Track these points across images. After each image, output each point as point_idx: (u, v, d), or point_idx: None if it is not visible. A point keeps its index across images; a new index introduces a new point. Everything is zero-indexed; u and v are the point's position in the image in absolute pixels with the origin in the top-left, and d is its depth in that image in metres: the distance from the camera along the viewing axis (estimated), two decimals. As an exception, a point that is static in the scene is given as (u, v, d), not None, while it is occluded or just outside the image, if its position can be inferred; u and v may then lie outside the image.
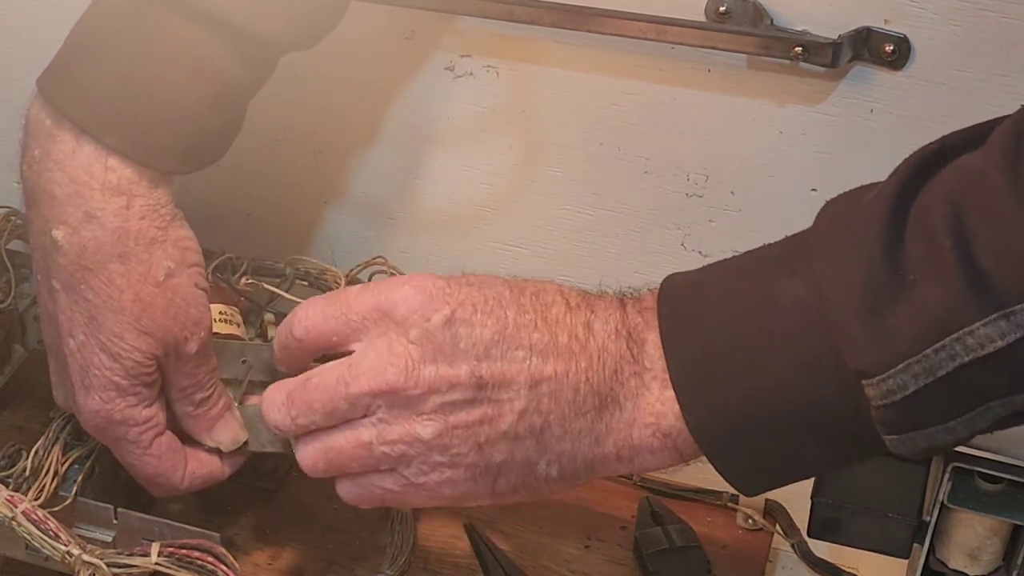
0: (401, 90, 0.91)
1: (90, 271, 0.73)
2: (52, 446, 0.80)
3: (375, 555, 0.85)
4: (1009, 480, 0.72)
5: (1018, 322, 0.56)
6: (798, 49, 0.79)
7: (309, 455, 0.71)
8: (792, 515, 0.91)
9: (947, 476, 0.72)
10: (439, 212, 0.95)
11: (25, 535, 0.72)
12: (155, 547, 0.70)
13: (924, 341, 0.58)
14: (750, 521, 0.91)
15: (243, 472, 0.82)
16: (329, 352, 0.71)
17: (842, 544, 0.78)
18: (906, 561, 0.79)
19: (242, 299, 0.86)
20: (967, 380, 0.58)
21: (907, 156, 0.62)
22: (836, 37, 0.79)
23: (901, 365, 0.59)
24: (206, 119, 0.74)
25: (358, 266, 0.89)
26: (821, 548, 0.90)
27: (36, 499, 0.77)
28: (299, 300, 0.84)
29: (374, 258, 0.89)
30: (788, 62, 0.80)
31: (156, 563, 0.70)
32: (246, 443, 0.80)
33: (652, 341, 0.66)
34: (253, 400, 0.81)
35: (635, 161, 0.88)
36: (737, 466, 0.66)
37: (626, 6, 0.82)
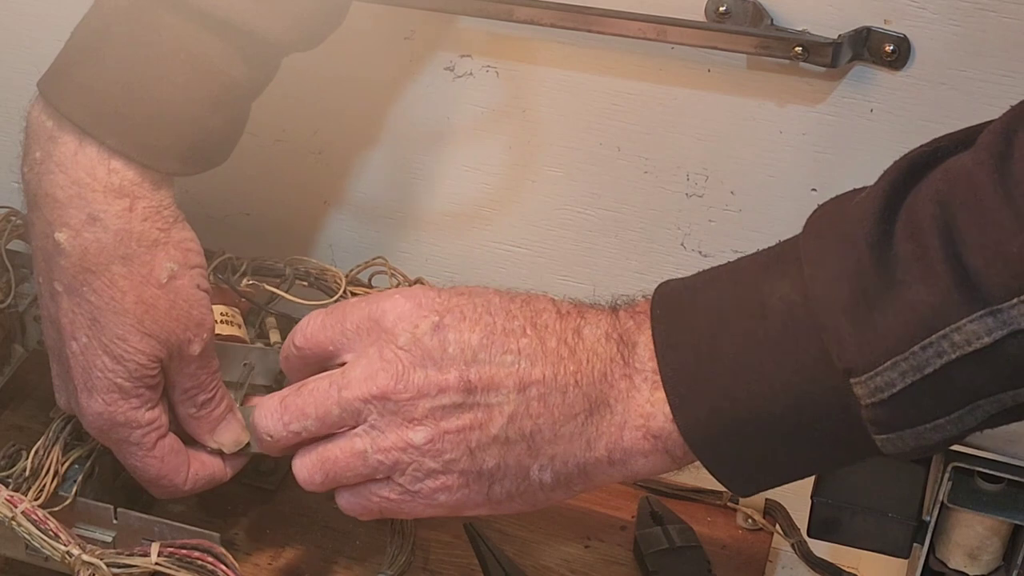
0: (401, 90, 0.91)
1: (92, 273, 0.73)
2: (52, 446, 0.80)
3: (375, 555, 0.85)
4: (1009, 480, 0.72)
5: (1005, 319, 0.56)
6: (798, 49, 0.79)
7: (305, 467, 0.72)
8: (792, 515, 0.91)
9: (947, 476, 0.72)
10: (439, 212, 0.95)
11: (25, 535, 0.72)
12: (155, 547, 0.70)
13: (911, 338, 0.58)
14: (750, 521, 0.91)
15: (243, 472, 0.82)
16: (327, 362, 0.72)
17: (842, 544, 0.78)
18: (906, 561, 0.79)
19: (243, 300, 0.86)
20: (954, 377, 0.58)
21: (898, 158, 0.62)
22: (836, 37, 0.79)
23: (888, 362, 0.59)
24: (209, 120, 0.74)
25: (358, 266, 0.89)
26: (821, 548, 0.90)
27: (36, 499, 0.77)
28: (299, 300, 0.85)
29: (374, 258, 0.89)
30: (788, 62, 0.80)
31: (156, 563, 0.70)
32: (248, 445, 0.80)
33: (643, 343, 0.67)
34: (254, 402, 0.81)
35: (635, 161, 0.88)
36: (728, 466, 0.66)
37: (626, 6, 0.82)
